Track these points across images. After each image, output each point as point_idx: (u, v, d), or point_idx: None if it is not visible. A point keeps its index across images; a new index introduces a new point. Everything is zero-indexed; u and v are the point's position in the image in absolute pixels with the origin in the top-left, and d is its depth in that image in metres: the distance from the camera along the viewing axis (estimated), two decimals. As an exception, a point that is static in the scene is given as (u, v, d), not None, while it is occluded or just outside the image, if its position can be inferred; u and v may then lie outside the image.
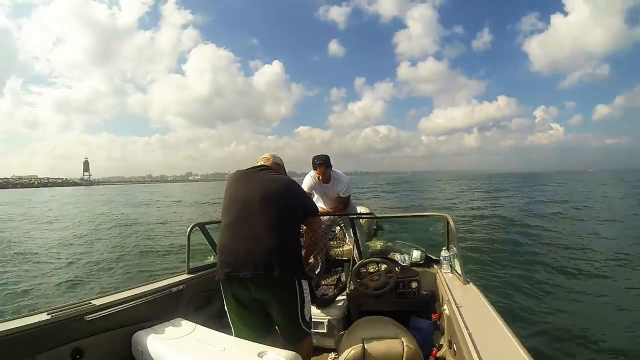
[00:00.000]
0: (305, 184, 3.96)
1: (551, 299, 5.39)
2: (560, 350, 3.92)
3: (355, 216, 3.67)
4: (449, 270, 2.74)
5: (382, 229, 4.67)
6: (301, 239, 2.57)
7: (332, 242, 4.03)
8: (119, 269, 8.43)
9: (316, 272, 3.38)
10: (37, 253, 10.44)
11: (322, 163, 3.79)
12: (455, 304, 1.98)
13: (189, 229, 2.98)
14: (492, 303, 1.93)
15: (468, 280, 2.38)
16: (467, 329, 1.59)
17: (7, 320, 1.82)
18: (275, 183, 2.16)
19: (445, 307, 2.14)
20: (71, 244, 11.79)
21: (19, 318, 1.87)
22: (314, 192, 4.06)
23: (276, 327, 2.15)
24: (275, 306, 2.04)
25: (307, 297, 2.14)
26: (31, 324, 1.83)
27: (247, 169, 2.32)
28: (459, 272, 2.49)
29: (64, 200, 40.50)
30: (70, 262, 9.19)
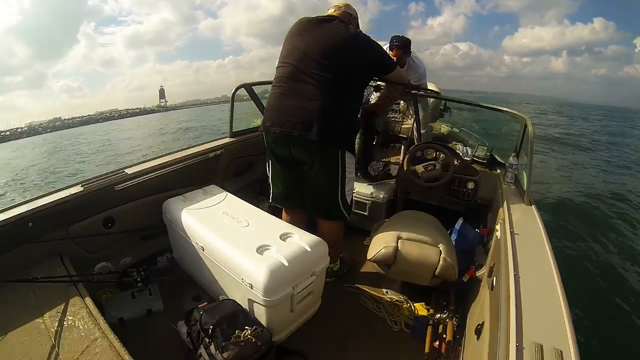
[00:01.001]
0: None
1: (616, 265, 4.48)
2: (602, 323, 3.30)
3: (419, 92, 3.28)
4: (513, 182, 2.38)
5: (450, 111, 4.26)
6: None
7: (393, 116, 3.78)
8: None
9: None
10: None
11: (400, 45, 3.33)
12: (510, 227, 1.73)
13: (234, 89, 2.79)
14: (553, 243, 1.68)
15: (532, 201, 2.05)
16: (514, 268, 1.37)
17: (42, 196, 1.89)
18: (339, 37, 1.87)
19: (498, 227, 1.90)
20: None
21: (53, 193, 1.93)
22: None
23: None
24: (313, 171, 1.94)
25: (351, 174, 2.02)
26: (64, 197, 1.89)
27: (312, 18, 2.01)
28: (524, 188, 2.14)
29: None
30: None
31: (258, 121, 3.23)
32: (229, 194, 2.28)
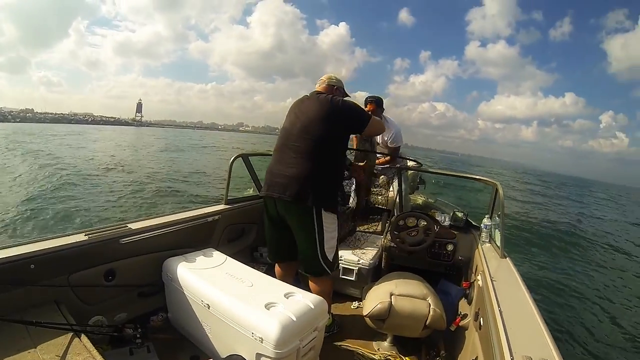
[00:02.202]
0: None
1: (585, 298, 5.72)
2: (585, 347, 4.25)
3: (404, 168, 3.68)
4: (488, 240, 2.68)
5: (425, 183, 4.65)
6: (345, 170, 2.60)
7: (374, 190, 4.09)
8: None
9: (348, 208, 3.38)
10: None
11: (374, 101, 3.67)
12: (490, 276, 1.96)
13: (232, 159, 2.99)
14: (526, 283, 1.89)
15: (506, 254, 2.32)
16: (498, 305, 1.58)
17: (46, 239, 1.91)
18: (315, 111, 2.17)
19: (478, 277, 2.11)
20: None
21: (57, 238, 1.95)
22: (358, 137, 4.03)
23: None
24: (294, 229, 2.20)
25: (331, 233, 2.20)
26: (68, 243, 1.91)
27: (301, 97, 2.37)
28: (498, 244, 2.43)
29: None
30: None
31: (251, 191, 3.47)
32: (228, 257, 2.38)
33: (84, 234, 2.03)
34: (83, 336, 1.65)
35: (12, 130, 42.11)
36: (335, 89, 2.41)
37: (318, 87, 2.43)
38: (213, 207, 2.91)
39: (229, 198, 3.00)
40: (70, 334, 1.63)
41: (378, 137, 3.85)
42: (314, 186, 2.09)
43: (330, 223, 2.18)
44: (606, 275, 7.33)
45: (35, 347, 1.52)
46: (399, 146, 4.01)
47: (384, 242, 3.03)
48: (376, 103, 3.66)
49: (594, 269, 7.44)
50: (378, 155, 3.88)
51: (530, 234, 9.00)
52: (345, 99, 2.36)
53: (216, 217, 2.79)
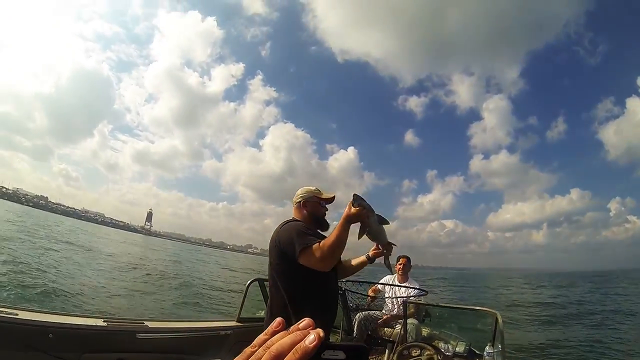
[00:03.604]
0: (384, 279, 4.34)
1: None
2: None
3: (409, 301, 3.84)
4: None
5: (430, 316, 4.67)
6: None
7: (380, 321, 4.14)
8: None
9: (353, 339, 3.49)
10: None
11: (407, 257, 4.28)
12: None
13: (249, 282, 3.17)
14: None
15: None
16: None
17: (67, 315, 2.01)
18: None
19: None
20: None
21: (77, 316, 2.04)
22: (386, 292, 4.36)
23: None
24: None
25: None
26: (87, 324, 1.99)
27: None
28: None
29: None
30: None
31: (262, 313, 3.55)
32: None
33: (102, 320, 2.09)
34: None
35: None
36: (302, 204, 2.19)
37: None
38: (226, 322, 3.03)
39: (241, 317, 3.10)
40: None
41: (402, 291, 4.22)
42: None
43: None
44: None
45: None
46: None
47: None
48: (408, 259, 4.33)
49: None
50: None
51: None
52: (292, 223, 2.09)
53: (228, 332, 2.88)
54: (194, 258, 37.97)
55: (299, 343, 0.38)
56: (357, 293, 3.95)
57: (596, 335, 9.62)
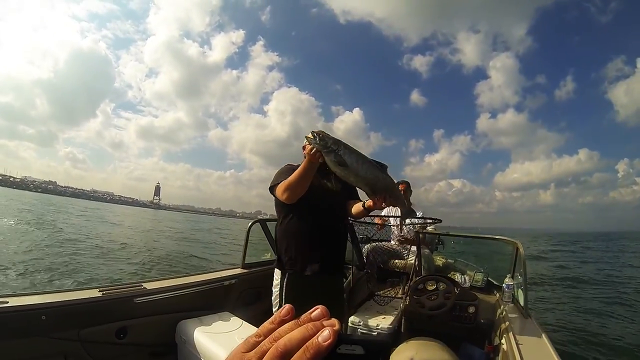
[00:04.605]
0: (385, 212, 4.11)
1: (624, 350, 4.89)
2: None
3: (422, 231, 3.67)
4: (511, 300, 2.56)
5: (444, 243, 4.56)
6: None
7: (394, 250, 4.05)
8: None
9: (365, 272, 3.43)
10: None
11: (406, 182, 4.28)
12: (514, 338, 1.85)
13: (249, 225, 3.04)
14: (552, 342, 1.79)
15: (530, 314, 2.21)
16: None
17: (59, 292, 1.92)
18: None
19: (502, 340, 2.01)
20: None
21: (71, 291, 1.96)
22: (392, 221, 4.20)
23: None
24: None
25: (275, 290, 2.19)
26: (81, 298, 1.91)
27: None
28: (522, 304, 2.32)
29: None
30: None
31: (268, 255, 3.47)
32: (244, 322, 2.34)
33: (98, 290, 2.03)
34: None
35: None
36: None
37: None
38: (230, 270, 2.93)
39: (245, 262, 3.02)
40: None
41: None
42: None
43: (274, 279, 2.21)
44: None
45: None
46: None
47: (403, 306, 2.93)
48: (407, 184, 4.33)
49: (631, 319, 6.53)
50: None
51: (554, 285, 8.04)
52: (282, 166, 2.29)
53: (232, 280, 2.79)
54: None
55: (310, 339, 0.34)
56: (364, 223, 3.79)
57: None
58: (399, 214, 4.07)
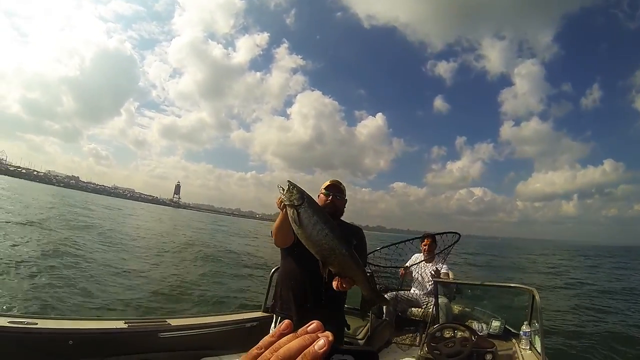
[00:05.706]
0: (409, 262, 4.26)
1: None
2: None
3: (439, 280, 3.75)
4: (528, 347, 2.57)
5: (462, 292, 4.56)
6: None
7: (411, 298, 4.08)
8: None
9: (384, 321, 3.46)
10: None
11: (431, 235, 4.17)
12: None
13: (272, 270, 3.12)
14: None
15: None
16: None
17: (87, 320, 2.01)
18: None
19: None
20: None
21: (98, 320, 2.05)
22: (414, 272, 4.26)
23: None
24: None
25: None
26: (108, 328, 1.98)
27: None
28: (539, 351, 2.34)
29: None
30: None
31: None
32: None
33: (124, 321, 2.10)
34: None
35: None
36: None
37: None
38: (251, 313, 3.00)
39: (267, 306, 3.05)
40: None
41: (429, 270, 4.09)
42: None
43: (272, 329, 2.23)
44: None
45: None
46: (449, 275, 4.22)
47: (420, 353, 2.94)
48: (433, 238, 4.22)
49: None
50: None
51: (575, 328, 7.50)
52: None
53: (255, 323, 2.84)
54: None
55: (307, 348, 0.38)
56: (386, 270, 3.88)
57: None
58: (422, 262, 4.15)
